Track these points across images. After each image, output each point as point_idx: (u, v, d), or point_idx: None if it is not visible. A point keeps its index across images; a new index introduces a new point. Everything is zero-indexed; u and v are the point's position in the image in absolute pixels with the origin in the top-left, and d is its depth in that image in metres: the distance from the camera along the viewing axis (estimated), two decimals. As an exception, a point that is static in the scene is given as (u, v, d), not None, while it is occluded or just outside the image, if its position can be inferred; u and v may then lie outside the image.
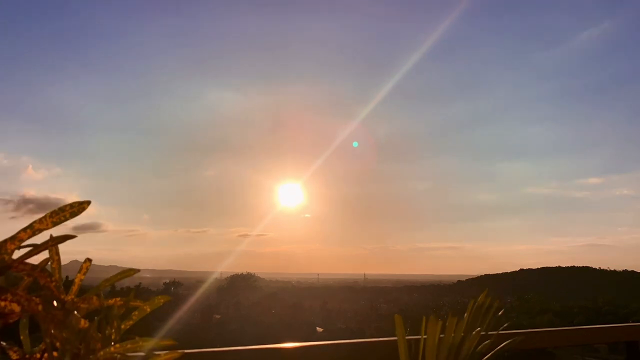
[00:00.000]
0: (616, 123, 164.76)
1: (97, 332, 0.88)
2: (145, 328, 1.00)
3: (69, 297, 0.91)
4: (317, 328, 47.38)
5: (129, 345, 0.87)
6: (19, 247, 0.82)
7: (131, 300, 0.95)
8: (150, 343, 0.88)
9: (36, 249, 0.83)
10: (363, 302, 70.92)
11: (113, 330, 0.91)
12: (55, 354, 0.85)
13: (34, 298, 0.82)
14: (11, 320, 0.87)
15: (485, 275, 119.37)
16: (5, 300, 0.81)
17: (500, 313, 1.70)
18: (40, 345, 0.95)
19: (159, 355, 0.92)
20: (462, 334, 1.57)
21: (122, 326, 0.93)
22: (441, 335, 1.56)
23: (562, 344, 3.19)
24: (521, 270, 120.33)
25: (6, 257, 0.82)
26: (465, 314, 1.63)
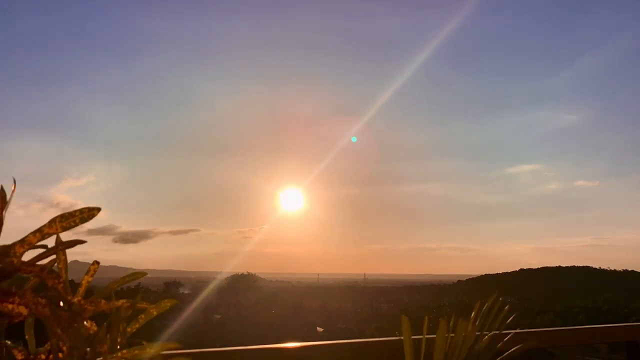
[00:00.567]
0: (617, 124, 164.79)
1: (105, 336, 0.88)
2: (147, 328, 1.00)
3: (76, 299, 0.90)
4: (318, 328, 47.38)
5: (136, 352, 0.87)
6: (28, 249, 0.82)
7: (138, 303, 0.95)
8: (157, 348, 0.87)
9: (45, 252, 0.83)
10: (363, 302, 70.84)
11: (119, 334, 0.90)
12: (60, 355, 0.86)
13: (40, 300, 0.81)
14: (17, 321, 0.87)
15: (486, 275, 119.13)
16: (13, 303, 0.81)
17: (511, 317, 1.66)
18: (46, 346, 0.95)
19: None
20: (476, 334, 1.56)
21: (129, 329, 0.93)
22: (451, 335, 1.56)
23: (562, 344, 3.18)
24: (521, 270, 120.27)
25: (15, 260, 0.82)
26: (473, 313, 1.61)
